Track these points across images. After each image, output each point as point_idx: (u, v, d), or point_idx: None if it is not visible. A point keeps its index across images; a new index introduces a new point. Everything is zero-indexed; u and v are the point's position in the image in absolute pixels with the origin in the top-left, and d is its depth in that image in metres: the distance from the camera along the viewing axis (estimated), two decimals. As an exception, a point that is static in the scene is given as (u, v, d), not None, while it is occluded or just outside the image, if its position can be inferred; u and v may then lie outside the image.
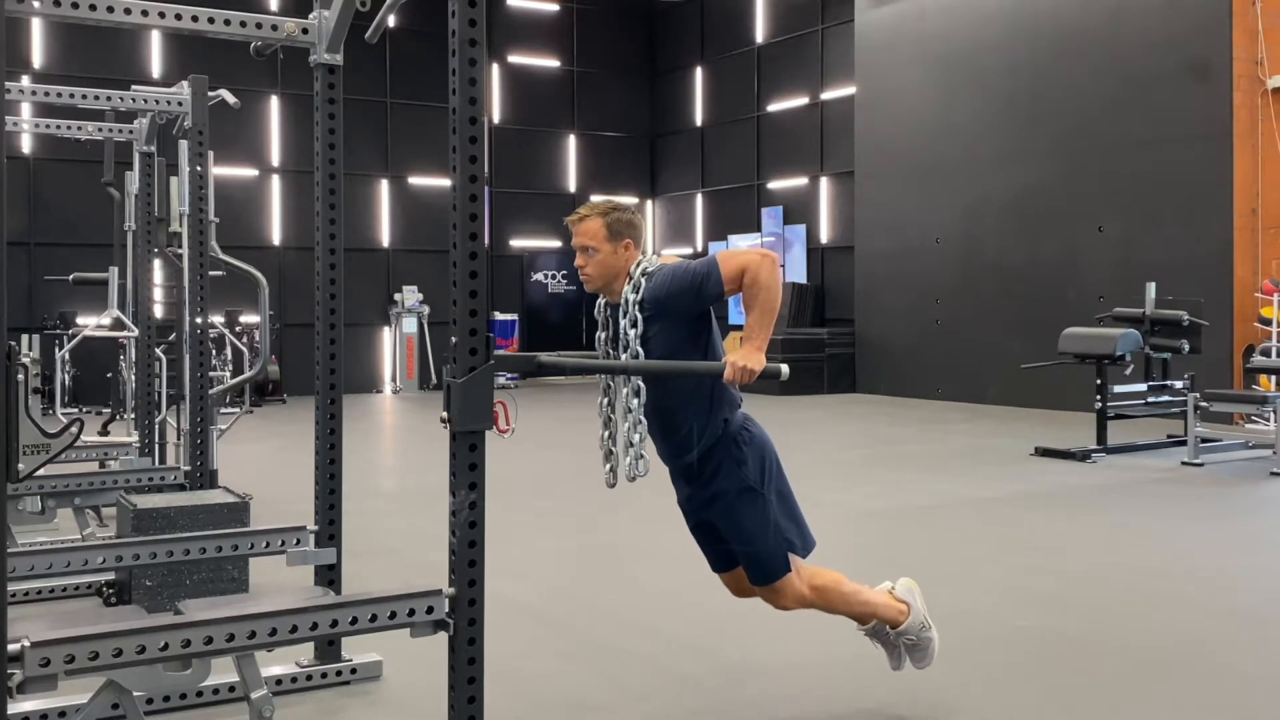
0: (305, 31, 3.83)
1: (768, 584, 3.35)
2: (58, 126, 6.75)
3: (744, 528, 3.30)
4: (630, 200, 17.93)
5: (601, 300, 3.43)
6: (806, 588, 3.37)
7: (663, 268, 3.32)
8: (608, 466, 3.40)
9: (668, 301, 3.24)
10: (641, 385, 3.26)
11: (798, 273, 17.11)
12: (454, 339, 2.67)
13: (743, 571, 3.43)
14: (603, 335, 3.43)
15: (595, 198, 18.98)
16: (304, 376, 13.92)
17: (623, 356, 3.29)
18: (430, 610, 2.78)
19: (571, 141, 19.26)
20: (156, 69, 15.47)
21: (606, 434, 3.41)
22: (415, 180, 17.44)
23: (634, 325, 3.27)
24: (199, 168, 5.46)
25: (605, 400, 3.42)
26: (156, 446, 6.86)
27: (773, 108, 17.75)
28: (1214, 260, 11.22)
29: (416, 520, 6.72)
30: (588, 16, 19.26)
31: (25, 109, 10.79)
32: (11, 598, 3.57)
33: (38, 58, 14.86)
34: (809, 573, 3.40)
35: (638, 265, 3.33)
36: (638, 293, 3.28)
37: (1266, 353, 10.05)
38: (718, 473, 3.31)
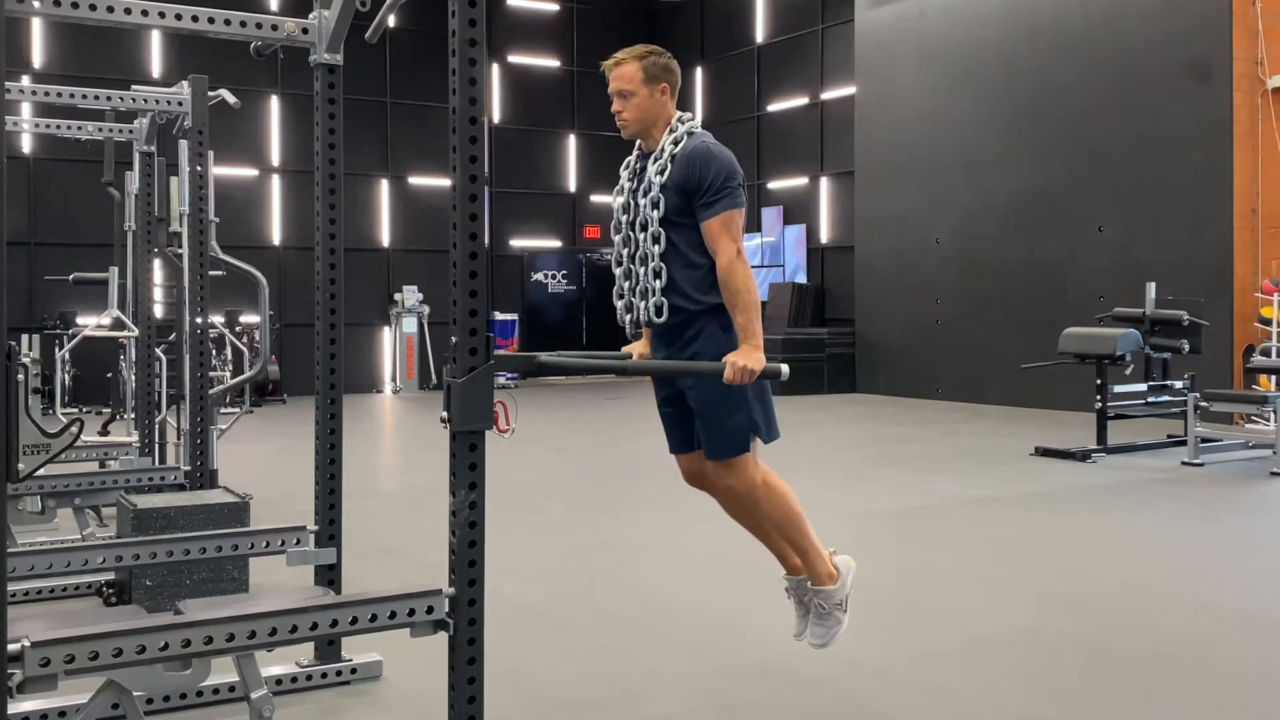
0: (305, 31, 3.83)
1: (724, 459, 3.35)
2: (58, 126, 6.75)
3: (714, 393, 3.26)
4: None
5: (635, 151, 3.49)
6: (760, 477, 3.39)
7: (709, 146, 3.35)
8: (629, 316, 3.48)
9: (685, 180, 3.29)
10: (662, 231, 3.31)
11: (798, 273, 17.11)
12: (454, 339, 2.67)
13: (701, 454, 3.43)
14: (626, 185, 3.47)
15: (595, 197, 18.78)
16: (304, 376, 13.91)
17: (642, 202, 3.36)
18: (430, 610, 2.78)
19: (571, 141, 19.26)
20: (156, 69, 15.47)
21: (628, 284, 3.47)
22: (415, 180, 17.44)
23: (661, 173, 3.33)
24: (199, 168, 5.45)
25: (626, 251, 3.47)
26: (156, 446, 6.86)
27: (773, 108, 17.75)
28: (1214, 260, 11.22)
29: (416, 520, 6.72)
30: (588, 16, 19.27)
31: (25, 109, 10.79)
32: (11, 598, 3.57)
33: (38, 58, 14.86)
34: (765, 468, 3.41)
35: (684, 120, 3.39)
36: (676, 145, 3.34)
37: (1266, 353, 10.04)
38: (698, 336, 3.35)
